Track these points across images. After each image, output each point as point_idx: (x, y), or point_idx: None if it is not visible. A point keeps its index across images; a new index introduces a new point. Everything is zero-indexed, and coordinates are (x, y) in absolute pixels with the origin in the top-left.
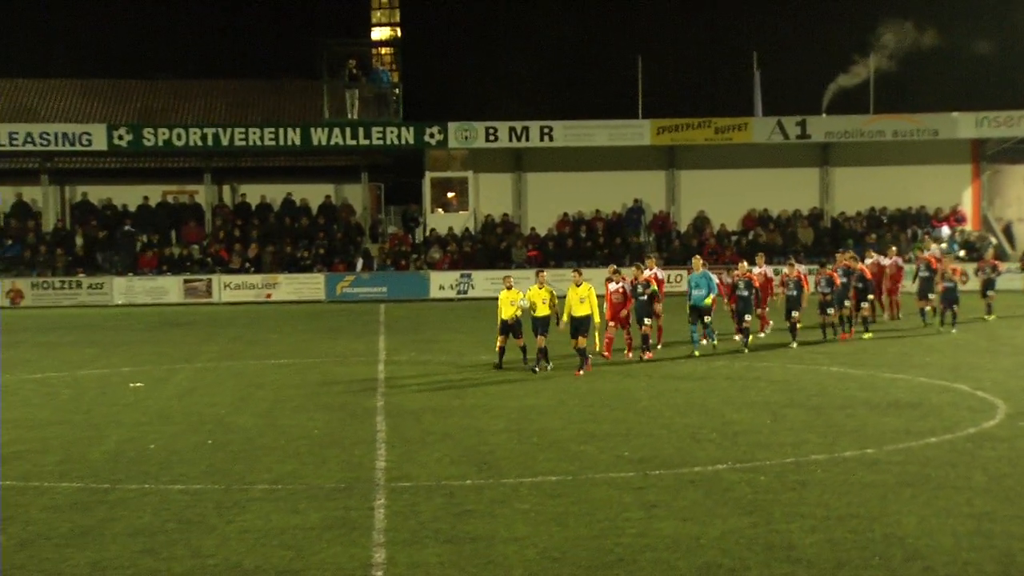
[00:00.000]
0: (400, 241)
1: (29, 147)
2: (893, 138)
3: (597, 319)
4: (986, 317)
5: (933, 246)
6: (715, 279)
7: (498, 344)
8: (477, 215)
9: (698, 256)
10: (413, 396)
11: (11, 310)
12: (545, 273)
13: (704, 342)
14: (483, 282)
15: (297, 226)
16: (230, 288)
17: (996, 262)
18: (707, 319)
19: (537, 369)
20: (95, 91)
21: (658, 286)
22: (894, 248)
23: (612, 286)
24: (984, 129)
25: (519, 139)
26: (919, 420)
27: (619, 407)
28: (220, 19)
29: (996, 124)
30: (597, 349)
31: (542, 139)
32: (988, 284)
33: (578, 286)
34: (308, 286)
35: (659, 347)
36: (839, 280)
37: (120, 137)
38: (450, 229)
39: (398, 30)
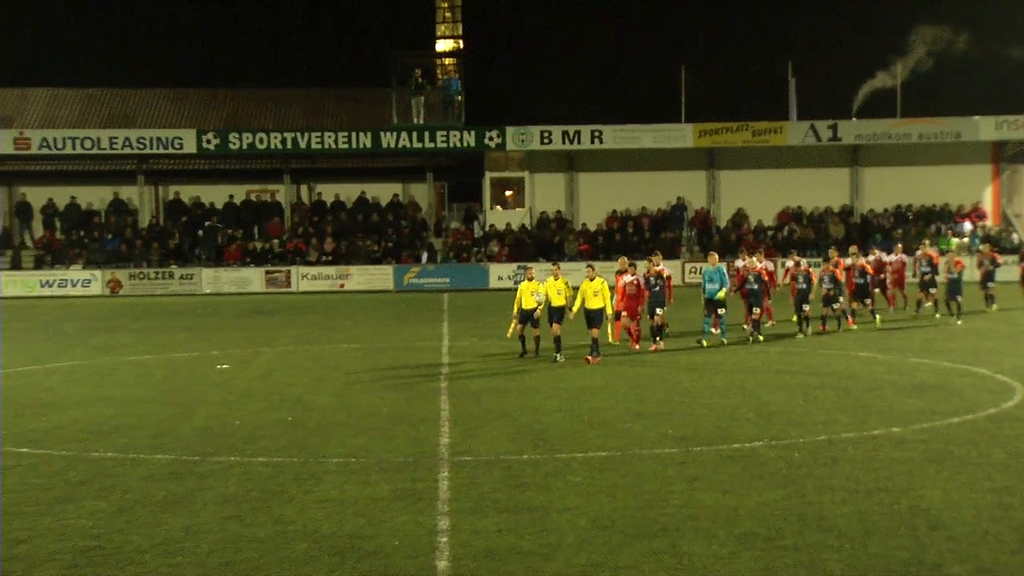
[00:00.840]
0: (462, 235)
1: (127, 150)
2: (918, 140)
3: (610, 311)
4: (987, 308)
5: (954, 241)
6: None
7: (518, 331)
8: (533, 212)
9: (713, 252)
10: (474, 378)
11: (110, 298)
12: (560, 266)
13: (715, 331)
14: (539, 273)
15: (368, 222)
16: (307, 279)
17: (995, 255)
18: (721, 311)
19: (558, 358)
20: (186, 99)
21: (666, 280)
22: (900, 245)
23: (627, 278)
24: (1003, 132)
25: (571, 142)
26: (942, 401)
27: (662, 389)
28: (298, 32)
29: (1015, 127)
30: (610, 340)
31: (592, 142)
32: (988, 276)
33: (592, 280)
34: (378, 277)
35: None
36: (841, 275)
37: (208, 141)
38: (508, 225)
39: (460, 42)
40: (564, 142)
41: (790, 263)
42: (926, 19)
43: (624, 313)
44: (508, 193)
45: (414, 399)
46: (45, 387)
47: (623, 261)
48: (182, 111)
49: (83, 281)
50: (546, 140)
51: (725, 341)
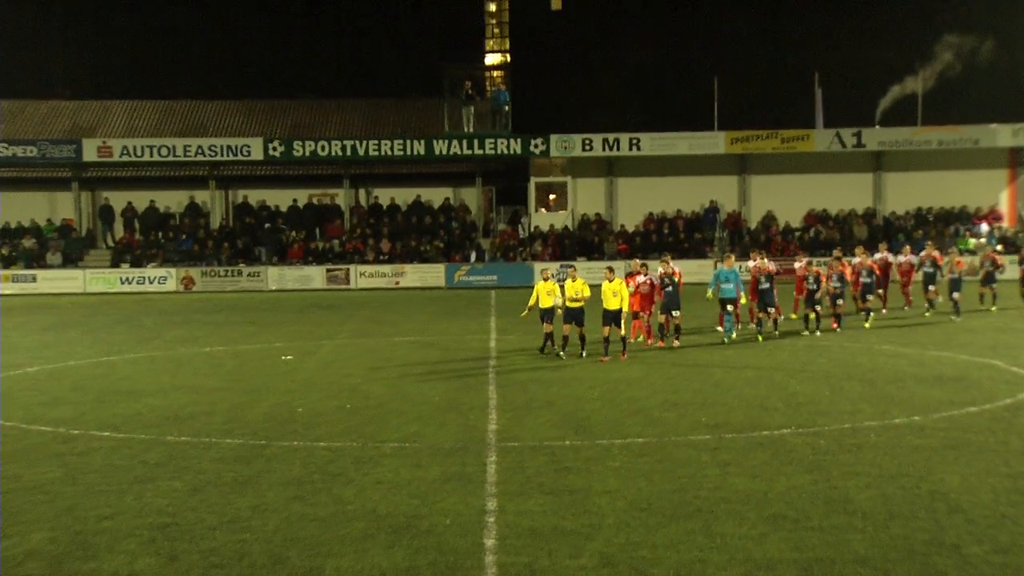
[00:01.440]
0: (508, 236)
1: (200, 158)
2: (938, 147)
3: (627, 310)
4: (991, 308)
5: (972, 241)
6: (740, 275)
7: (544, 329)
8: (574, 214)
9: (730, 254)
10: (520, 369)
11: (184, 294)
12: (576, 268)
13: (738, 327)
14: (580, 272)
15: (421, 223)
16: (365, 276)
17: (996, 256)
18: (729, 308)
19: (562, 354)
20: (253, 110)
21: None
22: (908, 247)
23: (640, 279)
24: (1020, 139)
25: (611, 149)
26: (961, 392)
27: (697, 380)
28: (356, 46)
29: None
30: (623, 334)
31: (631, 148)
32: (989, 277)
33: (610, 281)
34: (430, 274)
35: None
36: (849, 275)
37: (274, 148)
38: (551, 226)
39: (508, 56)
40: (604, 149)
41: (798, 264)
42: (948, 29)
43: (643, 313)
44: (551, 196)
45: (464, 389)
46: (125, 376)
47: (635, 263)
48: (250, 121)
49: (159, 278)
50: (587, 147)
51: (735, 336)
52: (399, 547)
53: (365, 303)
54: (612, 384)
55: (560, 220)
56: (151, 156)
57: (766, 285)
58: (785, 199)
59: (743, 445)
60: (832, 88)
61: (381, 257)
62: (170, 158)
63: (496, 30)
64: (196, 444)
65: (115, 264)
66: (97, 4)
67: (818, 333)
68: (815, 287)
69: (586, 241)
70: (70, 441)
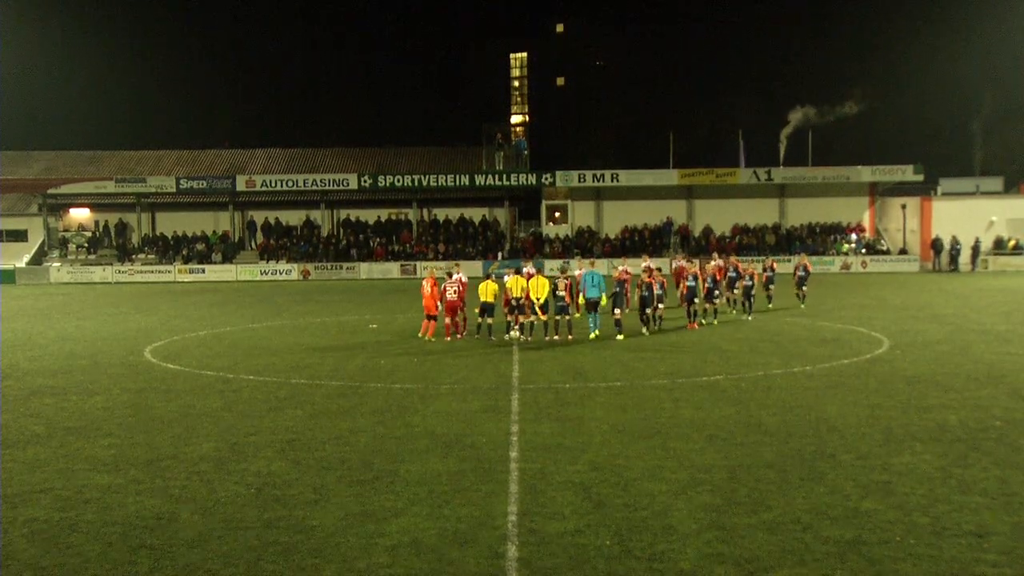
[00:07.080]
0: (527, 241)
1: (314, 187)
2: (822, 181)
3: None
4: (801, 305)
5: (845, 246)
6: (604, 277)
7: (478, 320)
8: (573, 226)
9: (592, 260)
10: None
11: (303, 282)
12: (513, 269)
13: (593, 326)
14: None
15: (466, 233)
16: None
17: (774, 264)
18: (596, 310)
19: (509, 336)
20: (350, 154)
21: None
22: (715, 254)
23: (453, 278)
24: (877, 176)
25: (598, 181)
26: (838, 349)
27: (657, 343)
28: (421, 110)
29: (884, 173)
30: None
31: (612, 181)
32: (769, 281)
33: (528, 279)
34: (472, 268)
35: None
36: (663, 282)
37: (365, 181)
38: (556, 235)
39: (526, 116)
40: (594, 181)
41: (619, 269)
42: (826, 96)
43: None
44: (557, 214)
45: (496, 348)
46: (264, 337)
47: (453, 265)
48: (348, 162)
49: (286, 271)
50: (582, 180)
51: (598, 332)
52: (450, 457)
53: None
54: (598, 345)
55: (563, 230)
56: (281, 186)
57: (617, 289)
58: (719, 216)
59: (690, 387)
60: (751, 140)
61: (438, 256)
62: (294, 188)
63: (519, 98)
64: (311, 385)
65: (257, 260)
66: (243, 86)
67: (655, 328)
68: (647, 293)
69: (581, 245)
70: (227, 382)
